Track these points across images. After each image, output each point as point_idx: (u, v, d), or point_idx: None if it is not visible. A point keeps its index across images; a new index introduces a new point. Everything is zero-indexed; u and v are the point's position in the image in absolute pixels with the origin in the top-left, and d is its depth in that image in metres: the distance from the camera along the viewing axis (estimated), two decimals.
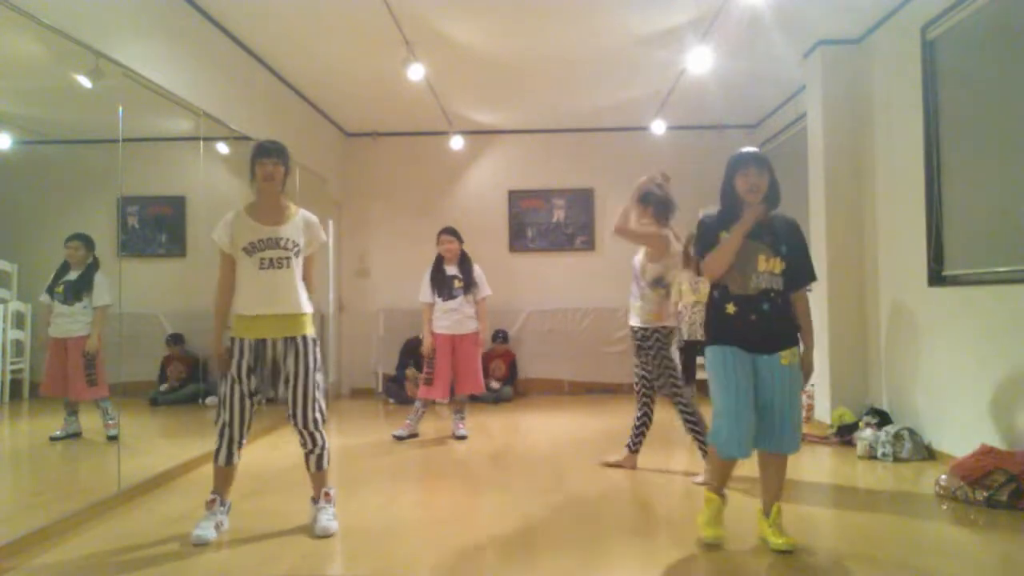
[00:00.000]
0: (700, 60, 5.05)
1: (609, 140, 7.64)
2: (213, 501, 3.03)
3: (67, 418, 4.17)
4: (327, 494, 3.11)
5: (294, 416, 3.03)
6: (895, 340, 4.75)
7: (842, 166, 5.19)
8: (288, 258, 3.01)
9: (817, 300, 5.33)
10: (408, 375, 6.92)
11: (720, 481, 2.91)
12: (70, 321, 4.08)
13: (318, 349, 3.11)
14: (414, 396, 5.46)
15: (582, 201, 7.64)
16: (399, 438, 5.04)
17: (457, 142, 7.34)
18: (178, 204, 5.24)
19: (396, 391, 6.94)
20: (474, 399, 6.71)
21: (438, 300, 5.06)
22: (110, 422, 4.10)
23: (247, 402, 2.99)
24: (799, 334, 2.83)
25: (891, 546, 2.86)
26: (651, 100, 6.60)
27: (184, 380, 5.42)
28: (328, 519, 3.03)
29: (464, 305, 5.07)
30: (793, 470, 4.13)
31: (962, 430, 3.99)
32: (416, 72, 5.27)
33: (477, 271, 5.19)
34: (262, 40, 5.14)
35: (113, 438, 3.95)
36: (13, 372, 4.04)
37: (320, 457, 3.10)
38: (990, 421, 3.77)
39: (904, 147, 4.61)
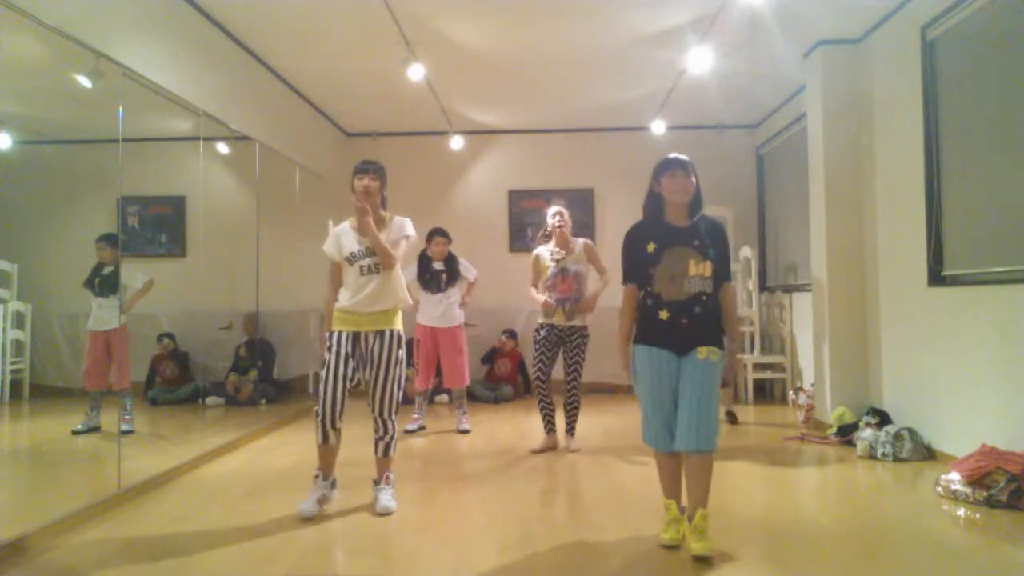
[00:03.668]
0: (700, 60, 5.05)
1: (609, 140, 7.64)
2: (317, 477, 3.37)
3: (88, 412, 4.27)
4: (388, 477, 3.44)
5: (372, 402, 3.38)
6: (895, 340, 4.75)
7: (842, 166, 5.19)
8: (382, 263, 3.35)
9: (817, 300, 5.34)
10: (408, 375, 6.92)
11: (666, 483, 2.94)
12: (108, 314, 4.21)
13: (403, 347, 3.42)
14: (413, 396, 5.55)
15: (582, 201, 7.63)
16: (409, 431, 5.27)
17: (457, 142, 7.35)
18: (178, 204, 5.25)
19: None
20: (473, 398, 6.73)
21: (426, 294, 5.34)
22: (127, 417, 4.26)
23: (341, 386, 3.29)
24: (724, 336, 2.90)
25: (891, 546, 2.86)
26: (651, 100, 6.60)
27: (177, 379, 5.42)
28: (388, 499, 3.34)
29: (450, 297, 5.36)
30: (794, 469, 4.15)
31: (962, 430, 3.99)
32: (416, 72, 5.28)
33: (461, 262, 5.50)
34: (262, 40, 5.14)
35: (127, 432, 4.05)
36: (13, 372, 4.05)
37: (388, 444, 3.41)
38: (990, 421, 3.77)
39: (904, 147, 4.61)
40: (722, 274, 2.93)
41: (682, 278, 2.82)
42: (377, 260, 3.33)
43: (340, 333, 3.34)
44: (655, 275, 2.86)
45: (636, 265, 2.94)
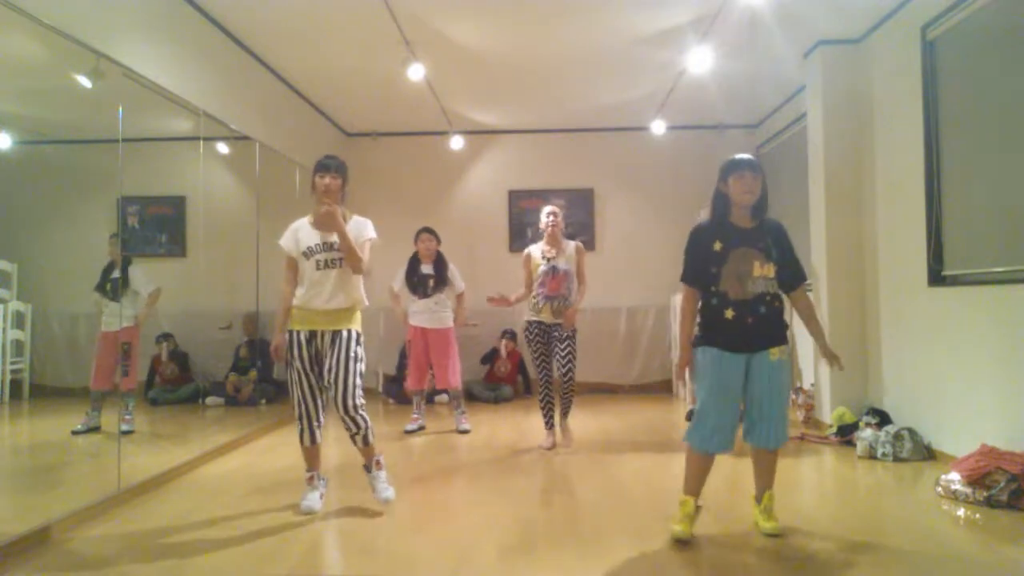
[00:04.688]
0: (700, 60, 5.05)
1: (609, 140, 7.64)
2: (311, 477, 3.43)
3: (90, 412, 4.30)
4: (378, 462, 3.45)
5: (336, 402, 3.31)
6: (895, 340, 4.75)
7: (842, 166, 5.19)
8: (340, 259, 3.31)
9: (817, 300, 5.34)
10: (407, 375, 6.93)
11: (693, 482, 2.98)
12: (118, 316, 4.26)
13: (361, 344, 3.39)
14: (411, 397, 5.59)
15: (582, 201, 7.64)
16: (409, 432, 5.31)
17: (457, 142, 7.35)
18: (178, 204, 5.24)
19: (396, 391, 6.94)
20: (473, 398, 6.74)
21: (413, 298, 5.38)
22: (127, 417, 4.30)
23: (315, 389, 3.33)
24: (788, 333, 2.98)
25: (891, 546, 2.86)
26: (651, 100, 6.60)
27: (177, 379, 5.41)
28: (385, 488, 3.39)
29: (438, 302, 5.37)
30: (794, 469, 4.15)
31: (962, 430, 3.99)
32: (416, 72, 5.28)
33: (451, 269, 5.48)
34: (262, 40, 5.14)
35: (127, 433, 4.15)
36: (13, 372, 4.05)
37: (365, 437, 3.37)
38: (990, 421, 3.77)
39: (904, 147, 4.61)
40: (795, 276, 3.01)
41: (747, 278, 2.86)
42: (335, 255, 3.29)
43: (298, 334, 3.31)
44: (721, 274, 2.88)
45: (698, 264, 2.95)
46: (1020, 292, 3.58)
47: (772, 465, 3.01)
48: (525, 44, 5.28)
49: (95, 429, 4.27)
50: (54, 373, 4.30)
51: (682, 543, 2.84)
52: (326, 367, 3.29)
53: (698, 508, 2.99)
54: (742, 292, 2.86)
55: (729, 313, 2.86)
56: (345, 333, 3.31)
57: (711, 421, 2.88)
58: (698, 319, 3.00)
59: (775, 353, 2.88)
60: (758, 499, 3.03)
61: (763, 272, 2.87)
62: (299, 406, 3.33)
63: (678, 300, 5.78)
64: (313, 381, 3.32)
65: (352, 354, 3.30)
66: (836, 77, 5.20)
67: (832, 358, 3.00)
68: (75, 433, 4.24)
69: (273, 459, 4.51)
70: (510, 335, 7.21)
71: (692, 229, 3.04)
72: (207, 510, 3.40)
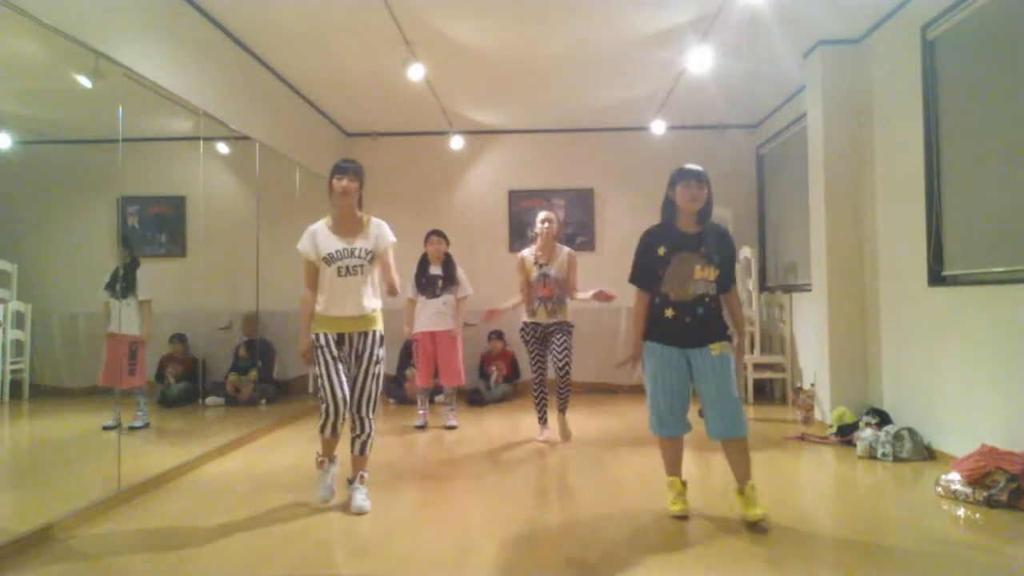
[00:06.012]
0: (700, 60, 5.06)
1: (609, 140, 7.64)
2: (323, 462, 3.52)
3: (136, 410, 4.56)
4: (362, 476, 3.47)
5: (351, 402, 3.40)
6: (895, 340, 4.75)
7: (842, 166, 5.19)
8: (361, 266, 3.40)
9: (817, 300, 5.34)
10: (408, 375, 6.92)
11: (670, 463, 3.29)
12: (128, 317, 4.38)
13: (383, 347, 3.48)
14: (414, 396, 5.63)
15: (582, 201, 7.64)
16: (419, 427, 5.50)
17: (457, 142, 7.35)
18: (178, 204, 5.24)
19: (396, 391, 6.94)
20: (474, 401, 6.74)
21: (422, 298, 5.49)
22: (138, 413, 4.49)
23: (341, 381, 3.36)
24: (728, 331, 3.18)
25: (891, 546, 2.86)
26: (651, 100, 6.60)
27: (181, 379, 5.41)
28: (363, 499, 3.38)
29: (446, 303, 5.49)
30: (794, 469, 4.15)
31: (962, 430, 3.99)
32: (416, 72, 5.28)
33: (460, 272, 5.60)
34: (262, 40, 5.14)
35: (135, 429, 4.38)
36: (13, 372, 4.05)
37: (364, 443, 3.45)
38: (990, 421, 3.77)
39: (904, 147, 4.61)
40: (729, 281, 3.20)
41: (687, 281, 3.06)
42: (357, 262, 3.37)
43: (326, 335, 3.37)
44: (664, 277, 3.10)
45: (645, 267, 3.18)
46: (1020, 292, 3.58)
47: (743, 455, 3.10)
48: (525, 44, 5.28)
49: (145, 425, 4.46)
50: (54, 373, 4.30)
51: (682, 519, 3.14)
52: (351, 365, 3.41)
53: (684, 483, 3.26)
54: (683, 294, 3.08)
55: (669, 312, 3.10)
56: (371, 335, 3.42)
57: (659, 409, 3.17)
58: (648, 317, 3.23)
59: (716, 348, 3.06)
60: (740, 491, 3.12)
61: (704, 275, 3.07)
62: (328, 401, 3.34)
63: None
64: (340, 372, 3.37)
65: (378, 357, 3.42)
66: (836, 77, 5.20)
67: (741, 354, 3.21)
68: (132, 429, 4.43)
69: (273, 459, 4.51)
70: (496, 335, 7.20)
71: (642, 233, 3.23)
72: (207, 510, 3.40)
